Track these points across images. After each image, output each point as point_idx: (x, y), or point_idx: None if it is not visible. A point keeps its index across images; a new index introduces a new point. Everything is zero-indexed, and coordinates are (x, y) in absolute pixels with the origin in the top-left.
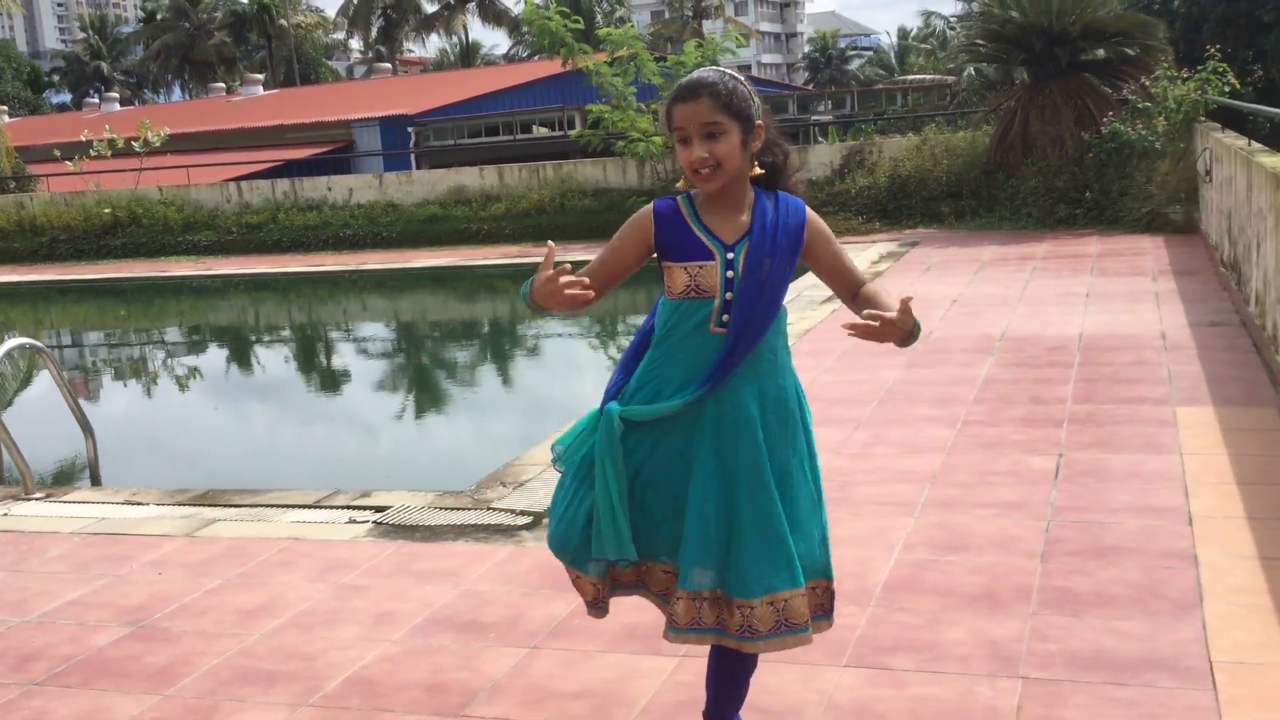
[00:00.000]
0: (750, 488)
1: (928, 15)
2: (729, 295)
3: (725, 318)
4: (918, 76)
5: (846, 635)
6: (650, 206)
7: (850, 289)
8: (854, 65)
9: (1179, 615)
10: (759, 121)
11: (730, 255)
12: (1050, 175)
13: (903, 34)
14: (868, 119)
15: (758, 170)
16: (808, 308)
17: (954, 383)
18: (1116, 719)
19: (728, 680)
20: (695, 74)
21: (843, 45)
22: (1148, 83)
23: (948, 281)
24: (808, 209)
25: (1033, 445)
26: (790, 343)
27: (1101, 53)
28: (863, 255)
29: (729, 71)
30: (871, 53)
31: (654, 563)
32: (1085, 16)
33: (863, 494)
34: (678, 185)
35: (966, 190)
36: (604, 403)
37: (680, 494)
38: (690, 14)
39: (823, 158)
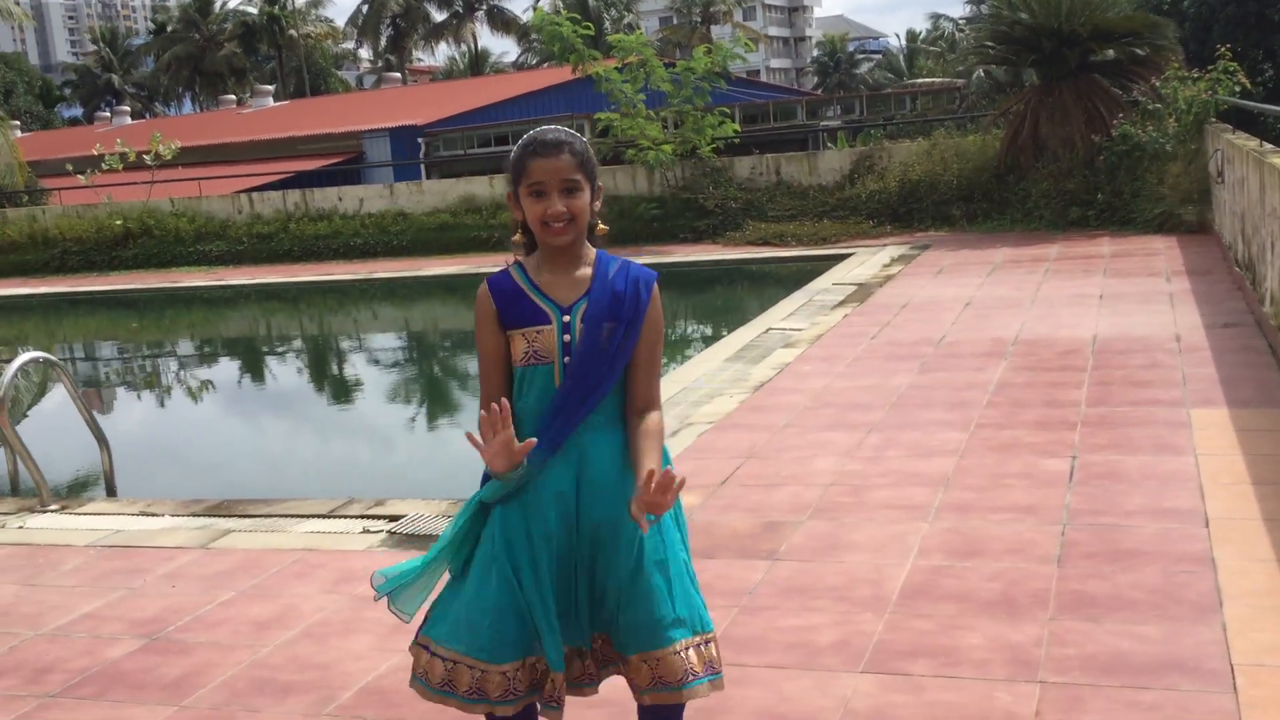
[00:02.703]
0: (614, 551)
1: (936, 18)
2: (567, 359)
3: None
4: (927, 80)
5: (863, 641)
6: (484, 286)
7: (639, 405)
8: (863, 69)
9: (1198, 618)
10: (600, 186)
11: (566, 318)
12: (1061, 177)
13: (911, 37)
14: (877, 124)
15: (602, 228)
16: (819, 312)
17: (967, 386)
18: None
19: None
20: (548, 130)
21: (851, 49)
22: (1158, 84)
23: (960, 284)
24: (655, 286)
25: (1047, 448)
26: (803, 349)
27: (1111, 54)
28: (874, 259)
29: (577, 134)
30: (880, 56)
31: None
32: (1094, 18)
33: (876, 499)
34: (514, 239)
35: (978, 193)
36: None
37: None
38: (699, 20)
39: (832, 163)
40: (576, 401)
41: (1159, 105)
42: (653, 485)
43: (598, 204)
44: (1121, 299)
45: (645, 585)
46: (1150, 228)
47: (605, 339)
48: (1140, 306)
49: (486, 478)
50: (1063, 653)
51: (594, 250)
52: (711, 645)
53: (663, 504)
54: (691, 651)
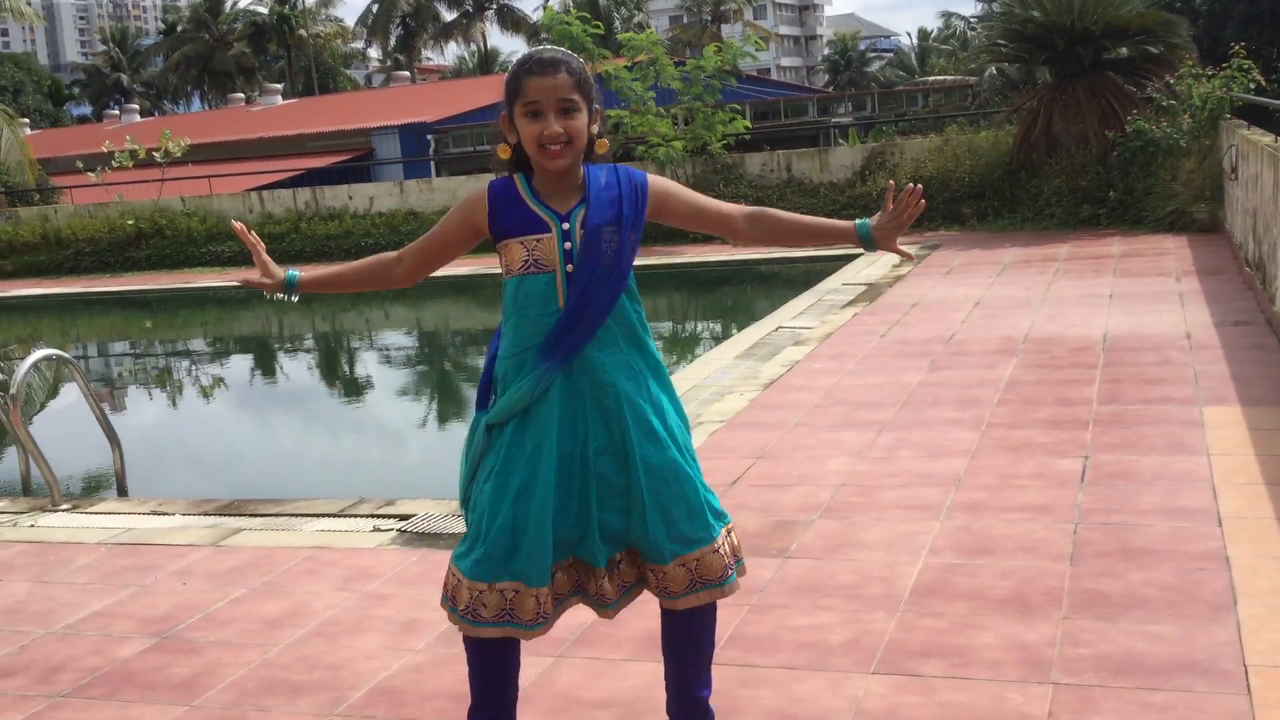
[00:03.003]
0: (635, 455)
1: (948, 16)
2: (569, 267)
3: (568, 289)
4: (939, 78)
5: (875, 641)
6: (484, 188)
7: (729, 219)
8: (874, 67)
9: (1212, 618)
10: (598, 108)
11: (565, 225)
12: (1074, 175)
13: (923, 35)
14: (889, 120)
15: (602, 142)
16: (828, 311)
17: (977, 385)
18: None
19: (683, 641)
20: (545, 49)
21: (862, 48)
22: (1172, 80)
23: (970, 283)
24: (649, 176)
25: (1058, 447)
26: (812, 347)
27: (1125, 51)
28: (883, 259)
29: (572, 53)
30: (891, 54)
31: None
32: (1107, 15)
33: (887, 498)
34: (498, 152)
35: (989, 191)
36: (477, 408)
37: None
38: (709, 18)
39: (843, 160)
40: (585, 314)
41: (1173, 103)
42: (898, 199)
43: (596, 126)
44: (1132, 298)
45: (677, 488)
46: (1161, 227)
47: (606, 244)
48: (1150, 306)
49: (484, 398)
50: (1076, 653)
51: (583, 168)
52: (734, 532)
53: (915, 214)
54: (726, 544)
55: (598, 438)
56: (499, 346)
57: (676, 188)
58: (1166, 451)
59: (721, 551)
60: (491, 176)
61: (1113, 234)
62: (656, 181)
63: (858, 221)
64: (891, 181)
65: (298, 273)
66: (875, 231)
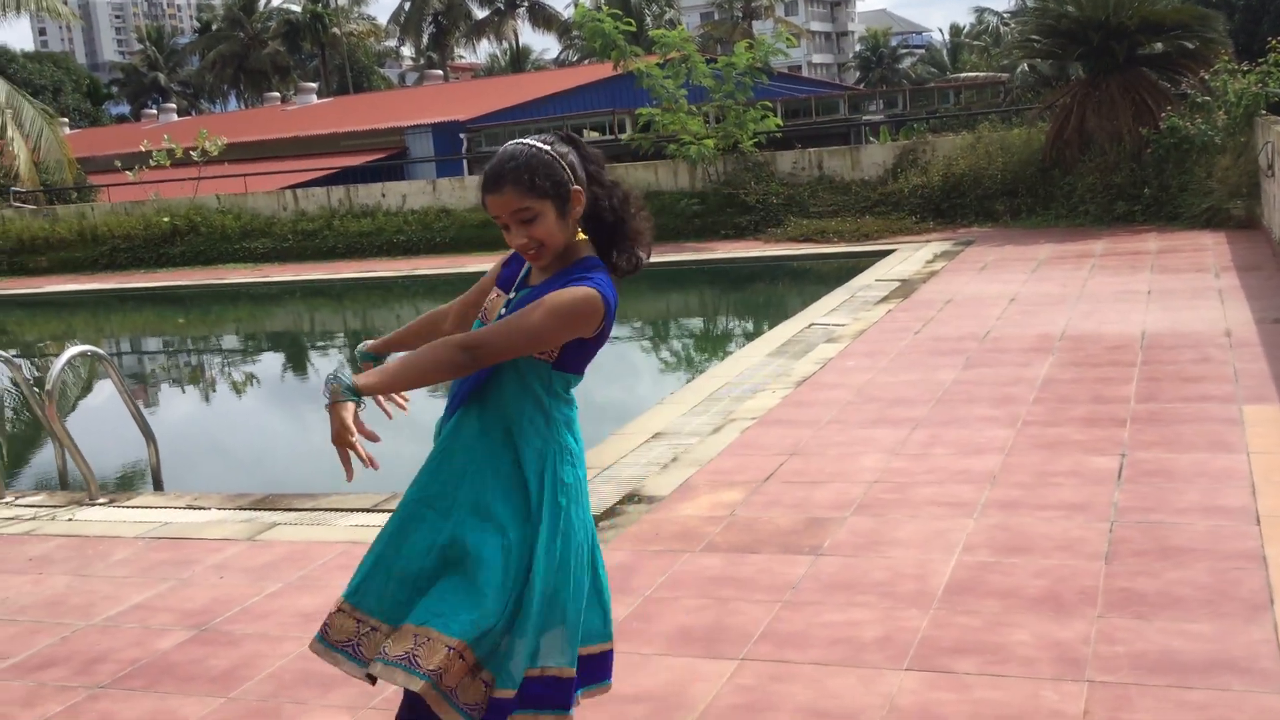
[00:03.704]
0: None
1: (980, 11)
2: None
3: None
4: (971, 74)
5: (908, 638)
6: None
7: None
8: (906, 64)
9: (1249, 616)
10: (575, 186)
11: (511, 296)
12: (1108, 171)
13: (955, 31)
14: (920, 117)
15: (581, 237)
16: (861, 308)
17: (1012, 382)
18: None
19: None
20: (498, 156)
21: (894, 44)
22: (1207, 76)
23: (1004, 280)
24: (584, 288)
25: (1095, 445)
26: (845, 344)
27: (1159, 46)
28: (916, 255)
29: (534, 144)
30: (923, 51)
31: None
32: (1142, 10)
33: (922, 495)
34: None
35: (1022, 188)
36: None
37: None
38: (740, 15)
39: (875, 157)
40: (469, 376)
41: (1208, 99)
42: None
43: (579, 208)
44: (1170, 295)
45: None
46: (1197, 223)
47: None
48: (1189, 302)
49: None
50: (1111, 650)
51: (588, 255)
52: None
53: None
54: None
55: (445, 492)
56: None
57: (546, 303)
58: (1205, 449)
59: (443, 653)
60: None
61: (1149, 230)
62: (568, 293)
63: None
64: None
65: (349, 380)
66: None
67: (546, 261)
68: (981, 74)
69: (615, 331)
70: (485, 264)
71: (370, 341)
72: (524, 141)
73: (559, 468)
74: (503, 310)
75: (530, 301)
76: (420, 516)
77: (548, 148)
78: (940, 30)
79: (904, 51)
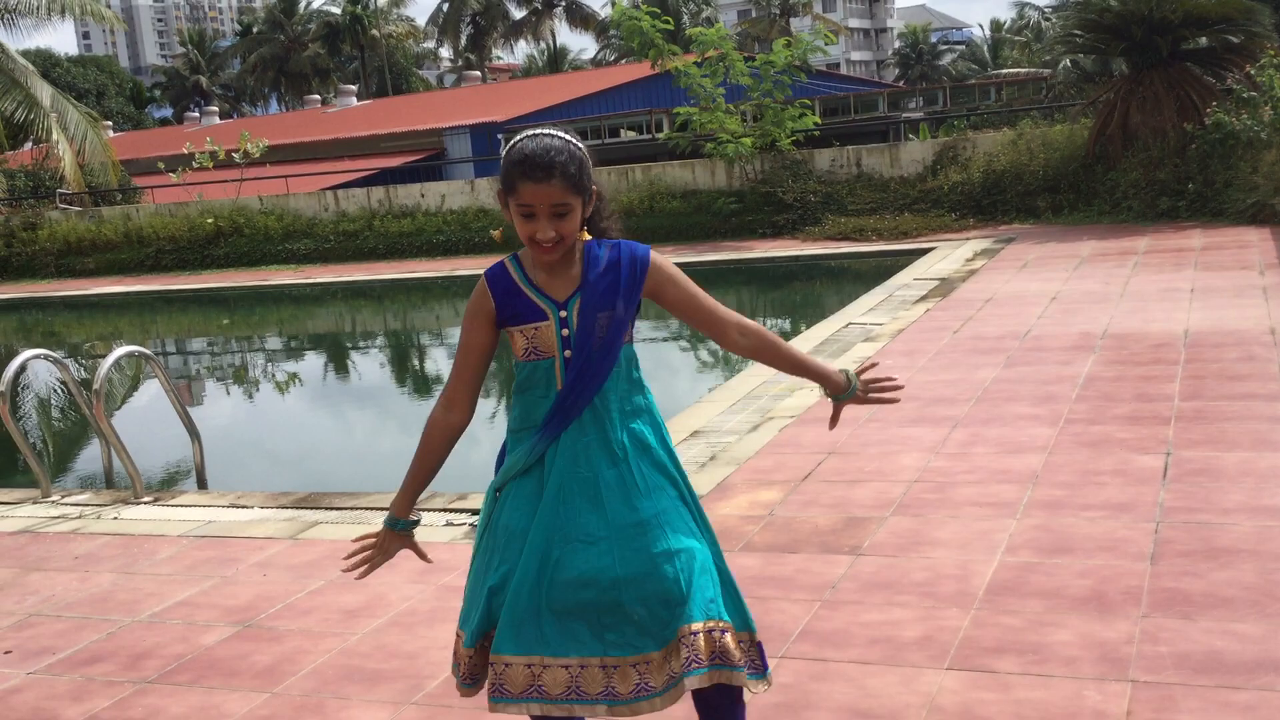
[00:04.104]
0: (615, 542)
1: (1021, 6)
2: (567, 353)
3: (565, 374)
4: (1012, 71)
5: (949, 637)
6: (482, 279)
7: (720, 325)
8: (946, 60)
9: None
10: (594, 186)
11: (564, 313)
12: (1152, 167)
13: (996, 26)
14: (960, 114)
15: (585, 236)
16: (899, 307)
17: (1054, 381)
18: None
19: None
20: (541, 145)
21: (934, 40)
22: (1252, 71)
23: (1045, 278)
24: (653, 253)
25: (1139, 444)
26: (884, 343)
27: (1204, 40)
28: (956, 253)
29: (568, 139)
30: (963, 47)
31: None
32: (1186, 3)
33: (962, 495)
34: (492, 234)
35: (1064, 184)
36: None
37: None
38: (778, 12)
39: (914, 155)
40: (578, 395)
41: (1254, 93)
42: (879, 383)
43: (590, 209)
44: (1214, 292)
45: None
46: (1243, 219)
47: (601, 329)
48: (1234, 300)
49: (501, 461)
50: (1155, 651)
51: (583, 243)
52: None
53: (883, 400)
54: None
55: (572, 516)
56: (510, 419)
57: (677, 277)
58: (1251, 448)
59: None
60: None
61: (1193, 227)
62: (659, 264)
63: (850, 373)
64: (875, 362)
65: (396, 519)
66: (858, 392)
67: (558, 257)
68: (1023, 70)
69: (652, 331)
70: None
71: (396, 506)
72: (556, 134)
73: (667, 436)
74: (564, 332)
75: (603, 295)
76: (572, 549)
77: (580, 145)
78: (980, 26)
79: (944, 48)
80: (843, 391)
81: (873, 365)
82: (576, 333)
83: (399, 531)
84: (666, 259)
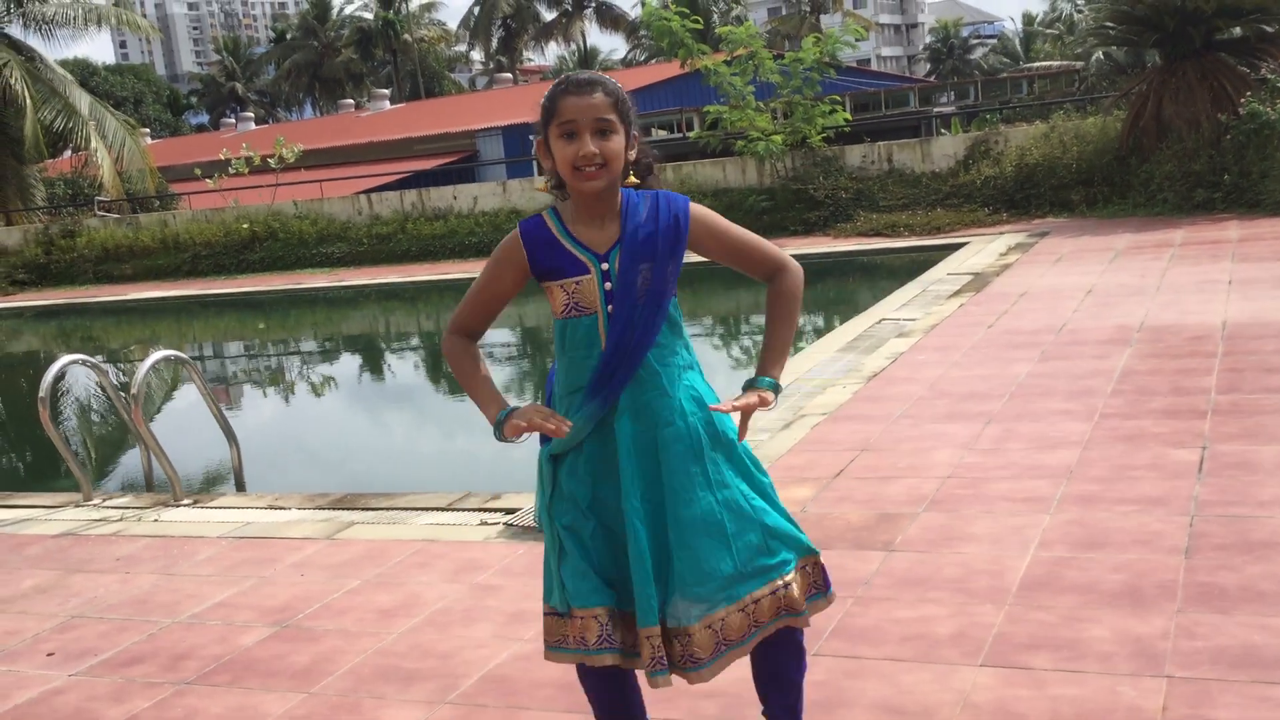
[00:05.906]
0: (676, 505)
1: None
2: (610, 308)
3: (609, 330)
4: (1044, 64)
5: (983, 634)
6: (516, 231)
7: (768, 269)
8: (977, 54)
9: None
10: (636, 133)
11: (605, 265)
12: (1186, 159)
13: (1028, 20)
14: (992, 108)
15: (632, 179)
16: (933, 302)
17: (1089, 375)
18: (1268, 719)
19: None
20: (581, 71)
21: (965, 34)
22: None
23: (1080, 271)
24: (691, 202)
25: (1175, 438)
26: (917, 338)
27: (1238, 30)
28: (989, 247)
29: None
30: (995, 41)
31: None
32: None
33: (996, 490)
34: (536, 186)
35: (1098, 177)
36: (540, 442)
37: (614, 530)
38: (807, 9)
39: (946, 149)
40: (625, 353)
41: None
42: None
43: (633, 153)
44: (1252, 284)
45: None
46: None
47: (643, 282)
48: (1272, 291)
49: (550, 395)
50: (1191, 645)
51: (621, 195)
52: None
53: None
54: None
55: (636, 481)
56: (554, 384)
57: (718, 222)
58: None
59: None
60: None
61: (1229, 218)
62: (698, 212)
63: (765, 382)
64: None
65: (500, 410)
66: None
67: (602, 185)
68: (1055, 63)
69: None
70: None
71: (489, 411)
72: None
73: (710, 389)
74: (607, 285)
75: (643, 244)
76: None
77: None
78: (1012, 19)
79: (975, 42)
80: (753, 385)
81: (745, 416)
82: (619, 286)
83: (513, 413)
84: (705, 208)
